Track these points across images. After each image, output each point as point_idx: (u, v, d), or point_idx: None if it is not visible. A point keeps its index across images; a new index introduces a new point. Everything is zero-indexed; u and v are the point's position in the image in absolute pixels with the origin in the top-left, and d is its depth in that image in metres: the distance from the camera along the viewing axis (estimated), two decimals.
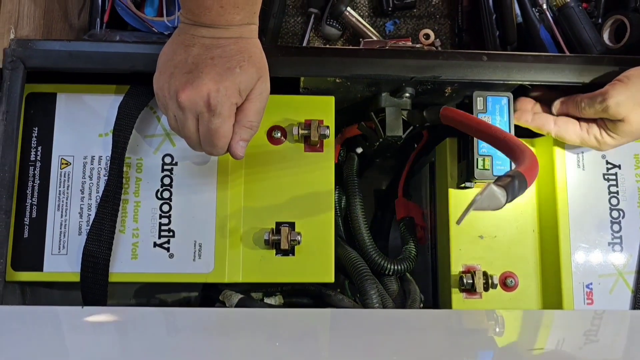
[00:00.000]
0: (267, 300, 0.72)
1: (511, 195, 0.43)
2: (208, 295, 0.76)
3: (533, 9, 0.90)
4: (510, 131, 0.67)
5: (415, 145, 0.84)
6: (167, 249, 0.66)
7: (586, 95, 0.66)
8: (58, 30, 0.77)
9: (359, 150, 0.82)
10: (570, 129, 0.67)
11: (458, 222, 0.42)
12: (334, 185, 0.69)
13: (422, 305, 0.73)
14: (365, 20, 0.94)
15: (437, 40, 0.94)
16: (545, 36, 0.88)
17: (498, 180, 0.44)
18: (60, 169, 0.67)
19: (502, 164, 0.66)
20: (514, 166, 0.57)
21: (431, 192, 0.79)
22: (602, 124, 0.66)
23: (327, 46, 0.92)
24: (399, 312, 0.62)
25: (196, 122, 0.59)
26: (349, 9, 0.91)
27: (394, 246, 0.89)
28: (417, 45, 0.69)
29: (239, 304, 0.68)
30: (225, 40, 0.57)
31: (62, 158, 0.67)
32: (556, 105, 0.69)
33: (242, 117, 0.59)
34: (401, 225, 0.80)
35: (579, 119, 0.67)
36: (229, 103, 0.57)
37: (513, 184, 0.44)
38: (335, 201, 0.81)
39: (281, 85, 0.68)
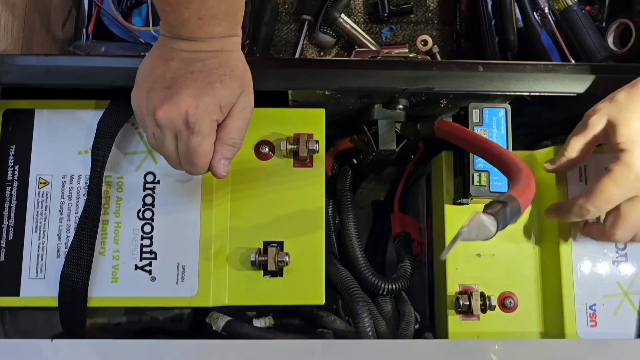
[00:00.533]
0: (256, 322, 0.69)
1: (502, 224, 0.40)
2: (197, 315, 0.74)
3: (534, 13, 0.87)
4: (507, 145, 0.64)
5: (412, 157, 0.81)
6: (149, 272, 0.63)
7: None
8: (39, 43, 0.74)
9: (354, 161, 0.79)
10: (594, 231, 0.64)
11: (442, 256, 0.39)
12: (324, 202, 0.66)
13: (417, 326, 0.70)
14: (360, 27, 0.91)
15: (435, 46, 0.90)
16: (547, 41, 0.85)
17: (488, 207, 0.41)
18: (38, 188, 0.64)
19: (499, 179, 0.63)
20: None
21: (428, 206, 0.76)
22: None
23: (316, 57, 0.89)
24: (390, 344, 0.59)
25: (175, 140, 0.56)
26: (343, 15, 0.87)
27: (392, 260, 0.85)
28: (411, 55, 0.66)
29: (226, 327, 0.66)
30: (205, 54, 0.55)
31: (40, 177, 0.64)
32: (548, 167, 0.64)
33: (223, 135, 0.56)
34: (396, 241, 0.77)
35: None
36: (209, 120, 0.54)
37: (504, 211, 0.40)
38: (329, 216, 0.79)
39: (269, 97, 0.65)
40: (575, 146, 0.61)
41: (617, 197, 0.57)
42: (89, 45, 0.78)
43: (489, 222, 0.39)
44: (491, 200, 0.49)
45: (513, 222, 0.42)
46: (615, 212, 0.59)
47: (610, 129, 0.58)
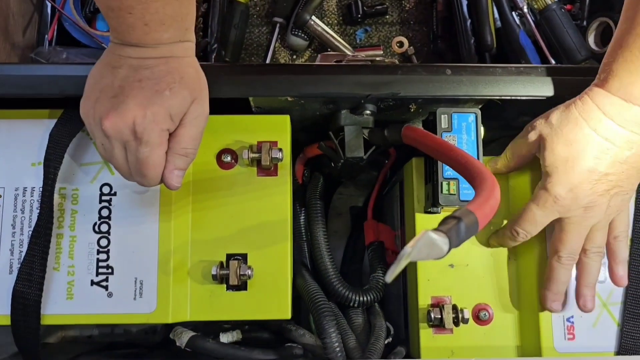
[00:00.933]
0: (222, 337, 0.67)
1: (456, 241, 0.37)
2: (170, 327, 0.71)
3: (512, 12, 0.84)
4: (477, 152, 0.61)
5: (386, 162, 0.79)
6: (106, 287, 0.60)
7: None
8: None
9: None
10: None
11: (387, 278, 0.36)
12: (290, 213, 0.64)
13: (390, 339, 0.68)
14: (334, 29, 0.88)
15: (411, 47, 0.88)
16: (525, 41, 0.83)
17: (442, 223, 0.39)
18: None
19: (468, 187, 0.60)
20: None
21: (401, 214, 0.73)
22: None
23: (281, 60, 0.87)
24: None
25: (124, 151, 0.53)
26: (314, 17, 0.85)
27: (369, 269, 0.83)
28: (378, 59, 0.63)
29: (190, 343, 0.63)
30: (154, 61, 0.52)
31: None
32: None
33: (175, 144, 0.54)
34: (369, 250, 0.75)
35: None
36: (157, 129, 0.52)
37: (458, 228, 0.38)
38: (301, 225, 0.76)
39: (233, 104, 0.62)
40: (512, 157, 0.63)
41: (541, 219, 0.59)
42: (49, 52, 0.76)
43: (440, 240, 0.36)
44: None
45: (468, 238, 0.39)
46: (554, 236, 0.61)
47: (541, 148, 0.59)
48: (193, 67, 0.54)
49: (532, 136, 0.60)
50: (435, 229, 0.37)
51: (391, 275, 0.36)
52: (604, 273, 0.63)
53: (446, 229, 0.37)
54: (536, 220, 0.59)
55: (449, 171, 0.60)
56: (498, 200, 0.45)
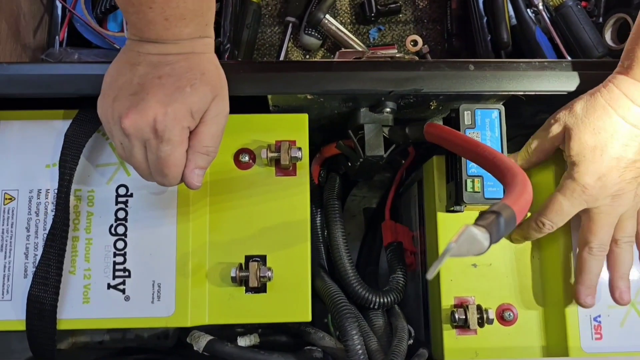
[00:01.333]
0: (240, 341, 0.65)
1: (496, 236, 0.36)
2: (183, 332, 0.70)
3: (528, 9, 0.83)
4: (502, 149, 0.60)
5: (403, 162, 0.77)
6: (123, 291, 0.59)
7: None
8: (8, 52, 0.70)
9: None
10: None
11: (428, 275, 0.35)
12: (309, 213, 0.62)
13: (411, 342, 0.66)
14: (347, 28, 0.87)
15: (426, 46, 0.87)
16: (541, 39, 0.81)
17: (479, 218, 0.37)
18: (4, 204, 0.60)
19: (494, 185, 0.59)
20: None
21: (420, 214, 0.72)
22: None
23: (294, 59, 0.85)
24: None
25: (144, 150, 0.52)
26: (327, 16, 0.84)
27: (385, 271, 0.81)
28: (398, 55, 0.62)
29: (207, 347, 0.62)
30: (174, 57, 0.51)
31: (5, 193, 0.60)
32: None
33: (196, 142, 0.53)
34: (388, 251, 0.73)
35: None
36: (179, 127, 0.50)
37: (498, 223, 0.36)
38: (317, 227, 0.75)
39: (249, 103, 0.61)
40: (534, 151, 0.62)
41: (568, 209, 0.58)
42: (61, 53, 0.75)
43: (481, 235, 0.35)
44: (486, 207, 0.46)
45: (508, 233, 0.38)
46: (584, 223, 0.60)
47: (565, 139, 0.58)
48: (213, 64, 0.53)
49: (556, 128, 0.59)
50: (476, 224, 0.36)
51: (433, 272, 0.35)
52: (631, 274, 0.62)
53: (486, 223, 0.36)
54: (563, 210, 0.58)
55: (473, 168, 0.59)
56: (531, 195, 0.44)
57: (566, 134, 0.58)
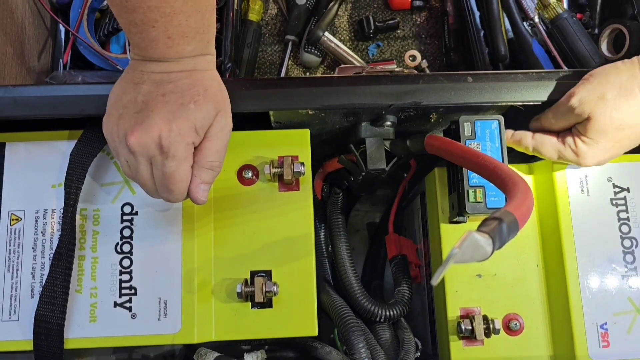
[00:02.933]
0: (247, 358, 0.65)
1: (499, 243, 0.37)
2: (190, 350, 0.70)
3: (524, 22, 0.84)
4: (502, 158, 0.60)
5: (405, 175, 0.78)
6: (129, 309, 0.59)
7: (554, 105, 0.61)
8: (13, 75, 0.71)
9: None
10: (547, 141, 0.62)
11: (432, 281, 0.35)
12: (313, 227, 0.63)
13: (418, 354, 0.66)
14: (346, 45, 0.88)
15: (424, 61, 0.88)
16: (538, 51, 0.82)
17: (482, 224, 0.38)
18: (10, 225, 0.61)
19: (496, 195, 0.59)
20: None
21: (423, 226, 0.73)
22: (575, 132, 0.60)
23: (294, 76, 0.86)
24: None
25: (150, 167, 0.53)
26: (327, 34, 0.85)
27: (391, 285, 0.81)
28: (397, 69, 0.62)
29: None
30: (177, 74, 0.52)
31: (12, 213, 0.61)
32: (532, 123, 0.64)
33: (201, 158, 0.53)
34: (393, 265, 0.74)
35: (557, 133, 0.62)
36: (183, 143, 0.51)
37: (500, 229, 0.37)
38: (321, 241, 0.75)
39: (251, 120, 0.62)
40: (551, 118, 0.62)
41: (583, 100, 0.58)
42: (64, 76, 0.76)
43: (484, 241, 0.36)
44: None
45: (511, 239, 0.38)
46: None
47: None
48: (216, 80, 0.54)
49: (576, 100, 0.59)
50: (479, 230, 0.37)
51: (437, 277, 0.35)
52: (637, 289, 0.62)
53: (489, 229, 0.37)
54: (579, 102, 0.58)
55: (474, 179, 0.60)
56: (533, 202, 0.44)
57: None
